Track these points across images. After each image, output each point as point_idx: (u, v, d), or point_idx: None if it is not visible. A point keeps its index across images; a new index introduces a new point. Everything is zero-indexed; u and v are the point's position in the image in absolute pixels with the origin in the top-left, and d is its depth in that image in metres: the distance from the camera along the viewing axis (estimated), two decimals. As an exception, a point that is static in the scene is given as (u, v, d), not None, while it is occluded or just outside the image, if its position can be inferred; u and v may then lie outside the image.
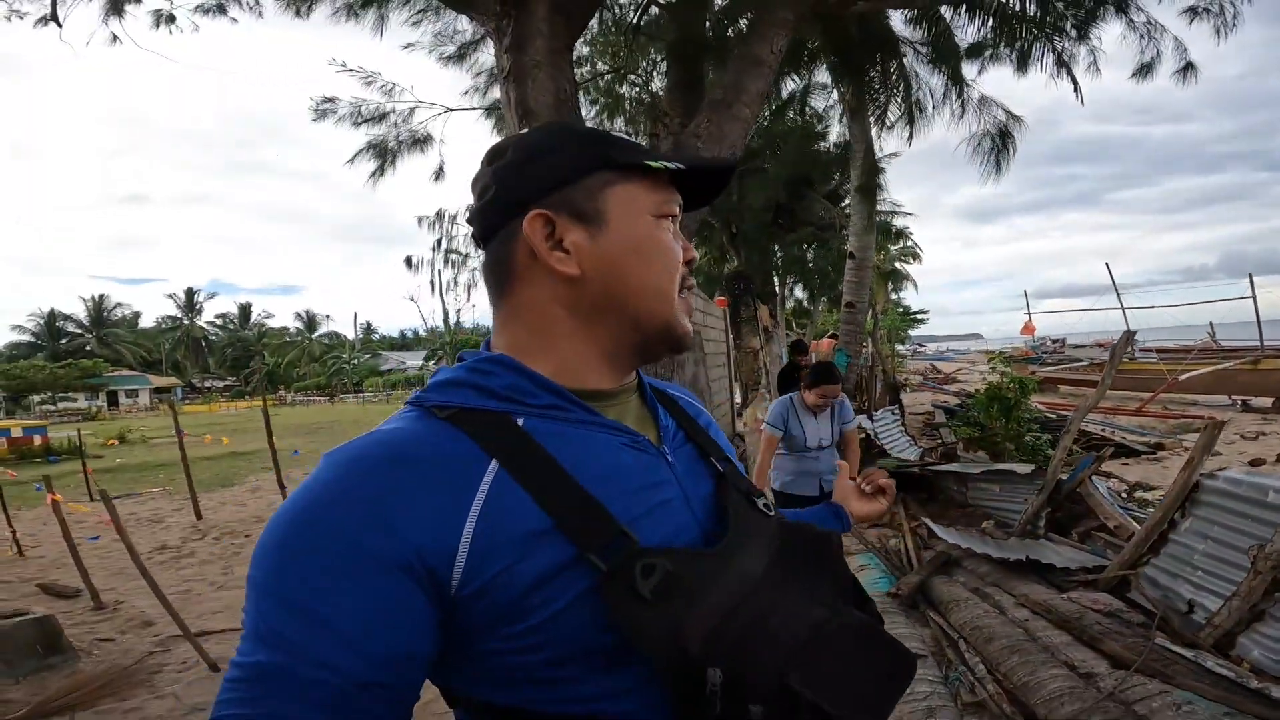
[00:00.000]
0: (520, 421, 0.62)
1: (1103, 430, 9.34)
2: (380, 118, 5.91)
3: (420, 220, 12.02)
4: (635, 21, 5.42)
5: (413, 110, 5.80)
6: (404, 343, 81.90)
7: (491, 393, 0.63)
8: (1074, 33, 5.54)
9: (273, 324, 70.43)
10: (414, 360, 64.25)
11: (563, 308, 0.66)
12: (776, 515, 0.70)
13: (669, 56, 4.61)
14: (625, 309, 0.66)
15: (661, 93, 7.38)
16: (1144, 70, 5.52)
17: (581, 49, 8.13)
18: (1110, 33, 5.53)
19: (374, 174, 7.55)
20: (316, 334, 67.69)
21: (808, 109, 8.65)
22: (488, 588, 0.55)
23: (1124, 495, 5.81)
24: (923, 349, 67.48)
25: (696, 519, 0.67)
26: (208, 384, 61.66)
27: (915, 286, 30.71)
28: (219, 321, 69.54)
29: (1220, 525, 3.14)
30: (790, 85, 8.17)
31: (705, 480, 0.72)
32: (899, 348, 36.36)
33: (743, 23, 4.68)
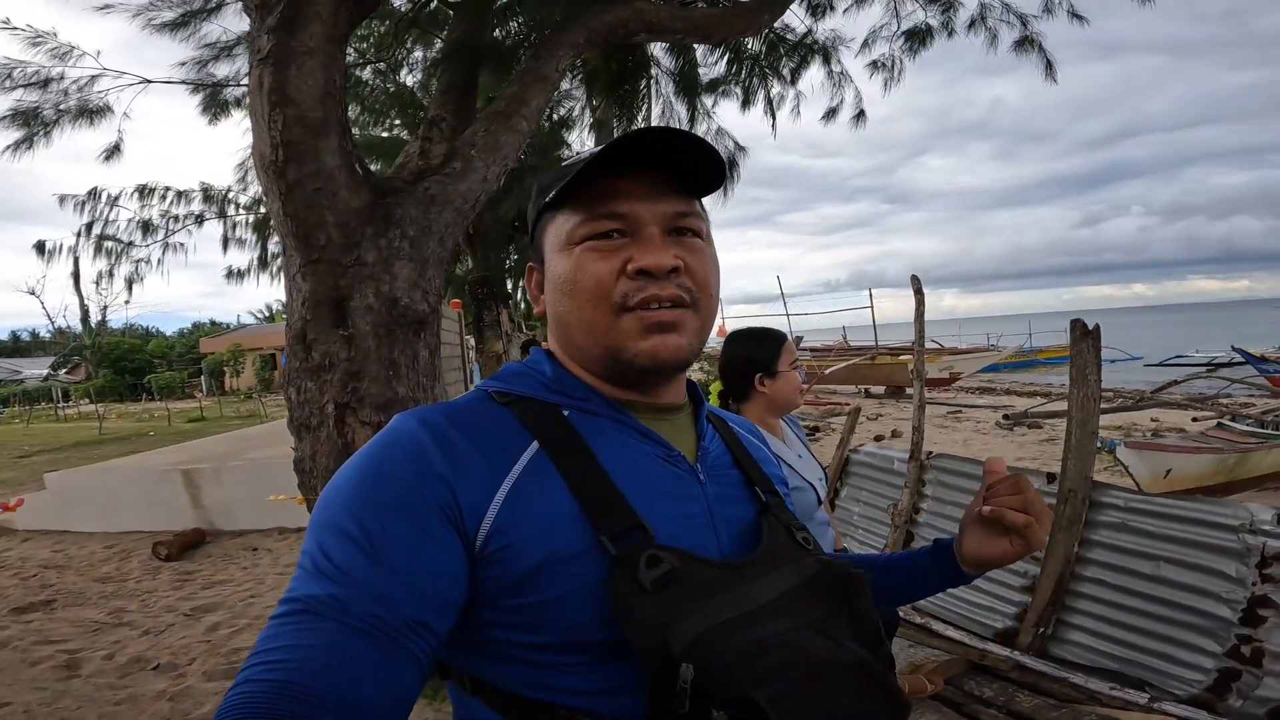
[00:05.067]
0: (566, 413, 0.67)
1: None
2: (44, 83, 4.67)
3: (63, 199, 8.93)
4: (411, 14, 5.04)
5: (95, 78, 4.69)
6: (18, 347, 62.71)
7: (544, 384, 0.69)
8: (788, 76, 6.81)
9: None
10: (36, 369, 48.95)
11: (559, 337, 0.72)
12: (815, 551, 0.70)
13: (447, 57, 4.32)
14: (574, 342, 0.70)
15: (417, 88, 7.03)
16: (830, 114, 7.04)
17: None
18: (807, 79, 6.89)
19: (14, 146, 5.87)
20: None
21: (555, 115, 8.91)
22: (503, 554, 0.58)
23: (800, 470, 7.35)
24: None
25: (718, 539, 0.67)
26: None
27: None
28: None
29: (867, 490, 4.23)
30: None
31: (743, 506, 0.72)
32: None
33: (514, 22, 4.66)
